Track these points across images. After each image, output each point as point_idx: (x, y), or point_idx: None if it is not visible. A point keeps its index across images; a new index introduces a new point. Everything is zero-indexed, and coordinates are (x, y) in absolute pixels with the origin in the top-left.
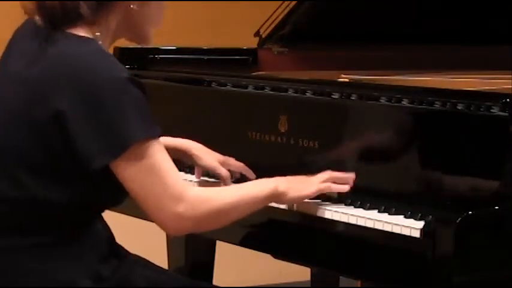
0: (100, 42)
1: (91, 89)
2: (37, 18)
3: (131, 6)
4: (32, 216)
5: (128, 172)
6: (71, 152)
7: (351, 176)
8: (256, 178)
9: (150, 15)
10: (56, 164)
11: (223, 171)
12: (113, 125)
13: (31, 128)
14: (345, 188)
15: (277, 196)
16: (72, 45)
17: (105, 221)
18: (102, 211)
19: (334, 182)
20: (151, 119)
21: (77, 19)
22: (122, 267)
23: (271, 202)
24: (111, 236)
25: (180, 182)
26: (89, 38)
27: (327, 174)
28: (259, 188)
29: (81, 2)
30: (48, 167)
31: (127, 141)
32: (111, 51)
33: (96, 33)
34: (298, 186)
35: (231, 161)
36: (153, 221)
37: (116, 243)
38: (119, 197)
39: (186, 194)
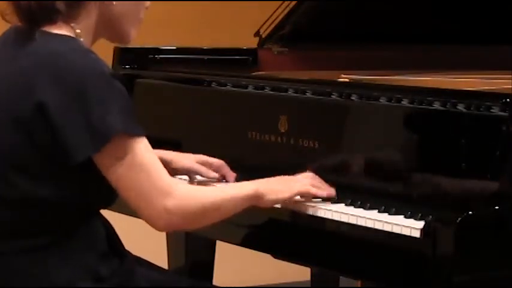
0: (82, 39)
1: (73, 81)
2: (15, 21)
3: None
4: (25, 218)
5: (113, 168)
6: (56, 146)
7: (331, 190)
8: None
9: (126, 12)
10: (42, 160)
11: (203, 169)
12: (95, 116)
13: (15, 124)
14: (324, 193)
15: (257, 198)
16: (52, 43)
17: (105, 218)
18: (98, 209)
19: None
20: (133, 117)
21: (54, 15)
22: (123, 266)
23: (252, 203)
24: (112, 234)
25: (167, 177)
26: (69, 36)
27: (309, 177)
28: (242, 189)
29: None
30: (35, 164)
31: (108, 133)
32: (110, 51)
33: (77, 31)
34: (277, 188)
35: (211, 160)
36: (140, 217)
37: (118, 241)
38: (112, 194)
39: (175, 189)
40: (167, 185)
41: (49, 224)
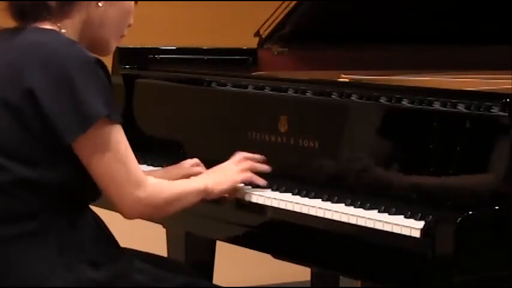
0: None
1: (59, 68)
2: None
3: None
4: (16, 203)
5: (92, 153)
6: (45, 131)
7: (265, 166)
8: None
9: (111, 20)
10: (34, 145)
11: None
12: (80, 100)
13: (6, 112)
14: (263, 182)
15: (207, 192)
16: (38, 35)
17: (96, 215)
18: (89, 199)
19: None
20: (115, 104)
21: (44, 12)
22: (120, 259)
23: (203, 197)
24: (104, 227)
25: (140, 170)
26: (56, 30)
27: (245, 161)
28: (196, 183)
29: None
30: (27, 149)
31: (94, 115)
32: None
33: (63, 30)
34: (219, 180)
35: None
36: (113, 204)
37: (111, 236)
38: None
39: (147, 181)
40: (140, 176)
41: (41, 209)
